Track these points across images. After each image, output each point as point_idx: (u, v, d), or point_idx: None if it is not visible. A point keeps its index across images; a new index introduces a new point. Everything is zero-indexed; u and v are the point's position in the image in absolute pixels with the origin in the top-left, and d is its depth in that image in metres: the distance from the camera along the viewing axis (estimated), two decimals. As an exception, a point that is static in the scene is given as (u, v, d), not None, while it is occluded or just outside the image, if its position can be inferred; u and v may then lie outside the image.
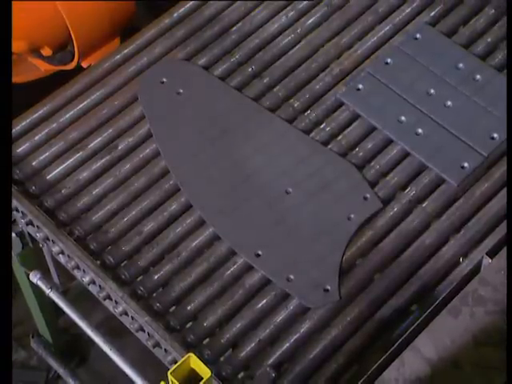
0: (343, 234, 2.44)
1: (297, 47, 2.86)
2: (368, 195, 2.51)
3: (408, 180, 2.58)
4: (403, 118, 2.64)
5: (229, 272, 2.42)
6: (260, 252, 2.42)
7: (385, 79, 2.73)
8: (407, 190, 2.56)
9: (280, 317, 2.35)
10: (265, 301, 2.37)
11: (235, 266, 2.43)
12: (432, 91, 2.69)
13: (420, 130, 2.62)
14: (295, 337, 2.32)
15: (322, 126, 2.67)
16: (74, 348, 3.43)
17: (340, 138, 2.65)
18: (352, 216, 2.47)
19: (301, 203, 2.51)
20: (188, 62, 2.80)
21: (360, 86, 2.73)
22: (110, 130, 2.69)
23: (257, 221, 2.48)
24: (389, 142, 2.64)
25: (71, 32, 3.05)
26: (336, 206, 2.50)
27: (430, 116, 2.65)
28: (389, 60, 2.77)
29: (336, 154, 2.60)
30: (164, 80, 2.74)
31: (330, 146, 2.63)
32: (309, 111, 2.71)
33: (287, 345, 2.31)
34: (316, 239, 2.44)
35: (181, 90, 2.72)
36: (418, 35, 2.82)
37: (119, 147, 2.65)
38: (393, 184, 2.57)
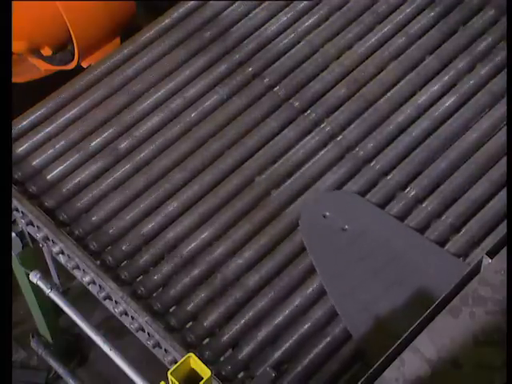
0: None
1: (297, 47, 2.86)
2: None
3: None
4: None
5: (229, 272, 2.42)
6: None
7: None
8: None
9: (280, 317, 2.35)
10: (265, 301, 2.37)
11: (235, 266, 2.43)
12: None
13: None
14: (295, 337, 2.32)
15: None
16: (73, 348, 3.43)
17: None
18: None
19: None
20: (352, 193, 2.57)
21: None
22: (110, 130, 2.69)
23: None
24: None
25: (71, 32, 3.05)
26: None
27: None
28: None
29: None
30: (327, 214, 2.53)
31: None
32: (309, 111, 2.71)
33: (287, 345, 2.31)
34: None
35: (346, 227, 2.50)
36: None
37: (119, 147, 2.66)
38: None
